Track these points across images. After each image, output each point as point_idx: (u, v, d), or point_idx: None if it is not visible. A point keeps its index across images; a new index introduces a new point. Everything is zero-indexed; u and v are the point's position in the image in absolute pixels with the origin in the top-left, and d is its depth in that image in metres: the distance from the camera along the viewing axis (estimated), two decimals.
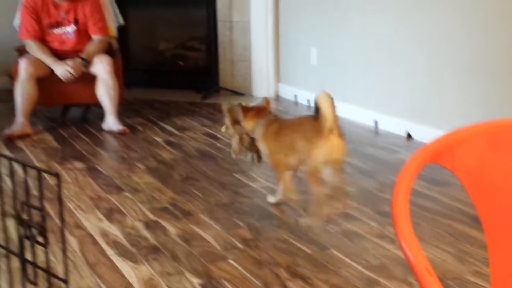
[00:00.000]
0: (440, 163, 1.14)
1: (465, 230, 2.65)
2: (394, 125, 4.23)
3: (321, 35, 4.89)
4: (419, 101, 4.05)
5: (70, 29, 4.33)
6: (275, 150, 2.82)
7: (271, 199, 2.99)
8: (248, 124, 2.91)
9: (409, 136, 4.12)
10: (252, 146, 2.98)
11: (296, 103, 5.20)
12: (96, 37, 4.36)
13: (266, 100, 3.04)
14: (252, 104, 3.14)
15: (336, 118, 2.58)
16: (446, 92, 3.84)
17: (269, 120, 2.88)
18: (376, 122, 4.39)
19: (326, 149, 2.61)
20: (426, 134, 3.96)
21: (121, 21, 4.97)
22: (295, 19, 5.16)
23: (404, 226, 0.93)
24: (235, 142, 3.05)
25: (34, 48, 4.23)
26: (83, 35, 4.36)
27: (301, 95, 5.17)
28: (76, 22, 4.32)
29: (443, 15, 3.80)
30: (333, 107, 2.56)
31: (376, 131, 4.34)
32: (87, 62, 4.24)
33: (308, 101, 5.07)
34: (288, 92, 5.34)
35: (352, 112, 4.58)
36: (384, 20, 4.24)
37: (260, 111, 2.95)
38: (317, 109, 2.60)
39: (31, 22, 4.24)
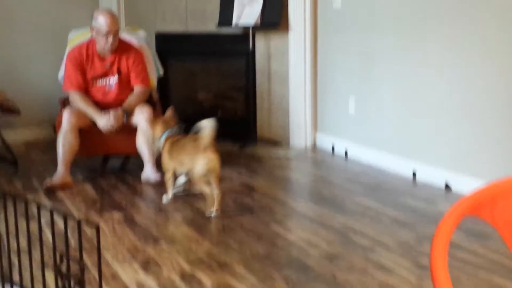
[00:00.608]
0: (480, 216, 1.11)
1: (507, 285, 2.57)
2: (432, 175, 4.18)
3: (359, 84, 4.89)
4: (459, 151, 4.00)
5: (113, 80, 4.42)
6: (167, 160, 3.81)
7: (164, 200, 3.85)
8: (156, 133, 3.93)
9: (447, 187, 4.06)
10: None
11: (333, 152, 5.19)
12: (137, 88, 4.43)
13: (171, 112, 4.00)
14: (161, 116, 4.07)
15: (212, 138, 3.46)
16: (486, 142, 3.79)
17: (168, 136, 3.86)
18: (414, 172, 4.34)
19: (203, 162, 3.51)
20: (465, 185, 3.90)
21: (161, 72, 5.07)
22: (333, 68, 5.19)
23: (443, 280, 0.91)
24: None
25: (77, 100, 4.32)
26: (124, 86, 4.44)
27: (338, 144, 5.16)
28: (119, 73, 4.42)
29: (483, 67, 3.78)
30: (211, 130, 3.45)
31: (414, 181, 4.28)
32: (128, 113, 4.31)
33: (346, 151, 5.05)
34: (325, 141, 5.33)
35: (390, 161, 4.55)
36: (423, 70, 4.23)
37: (166, 123, 3.93)
38: (198, 131, 3.51)
39: (75, 74, 4.34)
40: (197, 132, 3.52)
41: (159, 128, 3.91)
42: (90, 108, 4.29)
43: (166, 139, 3.85)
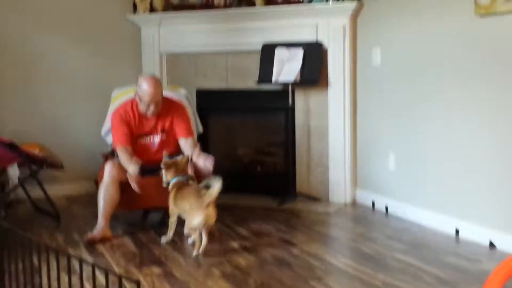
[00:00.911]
0: None
1: None
2: (476, 233, 4.09)
3: (399, 140, 4.87)
4: (503, 208, 3.92)
5: (157, 138, 4.49)
6: (172, 206, 4.05)
7: (163, 240, 4.08)
8: (168, 176, 4.12)
9: (492, 245, 3.97)
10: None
11: (373, 209, 5.13)
12: (186, 140, 4.47)
13: (186, 159, 4.17)
14: (176, 158, 4.17)
15: (216, 197, 3.73)
16: None
17: (177, 182, 4.07)
18: (457, 230, 4.26)
19: (202, 217, 3.78)
20: (511, 243, 3.81)
21: (201, 129, 5.14)
22: (372, 125, 5.18)
23: None
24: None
25: (122, 155, 4.36)
26: (165, 143, 4.50)
27: (379, 201, 5.11)
28: (163, 131, 4.48)
29: None
30: (218, 190, 3.71)
31: (457, 239, 4.20)
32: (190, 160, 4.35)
33: (386, 207, 5.00)
34: (365, 197, 5.29)
35: (432, 218, 4.48)
36: (465, 127, 4.20)
37: (178, 170, 4.10)
38: (207, 186, 3.78)
39: (124, 130, 4.40)
40: (205, 186, 3.83)
41: (172, 172, 4.10)
42: (126, 160, 4.31)
43: (174, 184, 4.08)
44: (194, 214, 3.83)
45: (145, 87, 4.31)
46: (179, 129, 4.48)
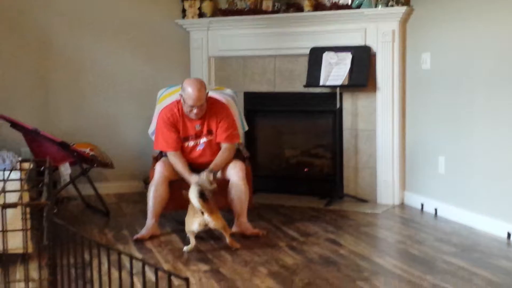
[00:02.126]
0: None
1: None
2: None
3: (449, 143, 4.81)
4: None
5: (203, 140, 4.50)
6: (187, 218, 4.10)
7: (185, 248, 4.04)
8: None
9: None
10: None
11: (422, 211, 5.07)
12: (224, 145, 4.49)
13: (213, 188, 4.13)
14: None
15: (203, 203, 3.86)
16: None
17: None
18: (509, 233, 4.17)
19: (197, 222, 3.95)
20: None
21: (246, 127, 5.15)
22: (421, 128, 5.13)
23: None
24: None
25: (174, 161, 4.40)
26: (214, 145, 4.50)
27: (428, 203, 5.04)
28: (209, 133, 4.49)
29: None
30: (197, 198, 3.84)
31: (508, 242, 4.12)
32: (216, 173, 4.37)
33: (436, 209, 4.93)
34: (414, 200, 5.23)
35: (482, 221, 4.41)
36: None
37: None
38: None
39: (170, 134, 4.43)
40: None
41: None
42: (185, 172, 4.35)
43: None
44: (191, 220, 3.99)
45: (189, 91, 4.32)
46: (219, 132, 4.47)
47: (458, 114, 4.69)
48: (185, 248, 4.03)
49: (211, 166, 4.35)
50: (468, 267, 3.61)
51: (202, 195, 3.89)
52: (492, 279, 3.39)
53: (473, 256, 3.83)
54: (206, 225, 3.96)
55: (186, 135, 4.47)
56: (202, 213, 3.91)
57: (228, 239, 4.05)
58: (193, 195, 3.88)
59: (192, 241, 4.03)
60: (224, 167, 4.44)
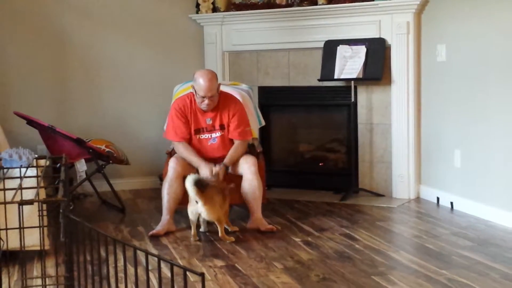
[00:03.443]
0: None
1: None
2: None
3: (465, 137, 4.78)
4: None
5: (216, 135, 4.50)
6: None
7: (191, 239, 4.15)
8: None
9: None
10: None
11: (438, 205, 5.05)
12: (236, 142, 4.49)
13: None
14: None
15: (198, 192, 3.91)
16: None
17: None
18: None
19: (190, 211, 4.06)
20: None
21: (263, 122, 5.15)
22: (437, 121, 5.10)
23: None
24: None
25: (182, 149, 4.44)
26: (227, 140, 4.50)
27: (443, 197, 5.02)
28: (222, 128, 4.50)
29: None
30: (192, 186, 3.90)
31: None
32: (228, 168, 4.38)
33: (452, 203, 4.91)
34: (430, 194, 5.20)
35: (499, 216, 4.38)
36: None
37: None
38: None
39: (179, 124, 4.46)
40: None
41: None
42: (194, 157, 4.39)
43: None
44: (188, 208, 4.10)
45: (200, 81, 4.33)
46: (232, 128, 4.47)
47: (474, 107, 4.66)
48: (192, 239, 4.16)
49: (226, 161, 4.36)
50: (485, 261, 3.59)
51: (198, 183, 3.94)
52: (509, 273, 3.37)
53: (490, 250, 3.81)
54: (199, 214, 4.05)
55: (197, 127, 4.47)
56: (197, 202, 3.97)
57: (220, 233, 4.10)
58: (188, 183, 3.93)
59: (192, 231, 4.15)
60: (235, 163, 4.44)
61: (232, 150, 4.45)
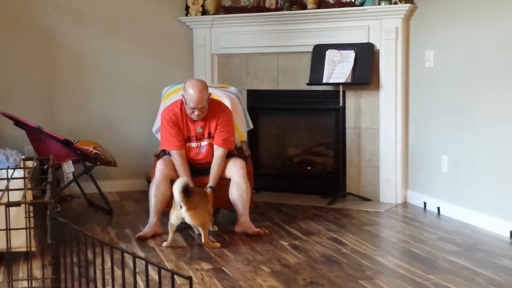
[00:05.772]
0: None
1: None
2: None
3: (452, 142, 4.80)
4: None
5: (204, 143, 4.49)
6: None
7: (164, 244, 4.09)
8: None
9: None
10: None
11: (425, 210, 5.07)
12: (218, 150, 4.45)
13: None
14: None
15: (184, 198, 3.90)
16: None
17: None
18: (511, 232, 4.17)
19: (174, 215, 4.03)
20: None
21: (251, 125, 5.15)
22: (425, 126, 5.12)
23: None
24: None
25: (176, 161, 4.40)
26: (212, 148, 4.49)
27: (430, 202, 5.04)
28: (210, 136, 4.48)
29: None
30: (179, 192, 3.88)
31: (511, 241, 4.11)
32: (216, 189, 4.37)
33: (438, 208, 4.93)
34: (417, 199, 5.23)
35: (485, 220, 4.41)
36: None
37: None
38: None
39: (172, 134, 4.42)
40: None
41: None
42: (183, 174, 4.34)
43: None
44: (171, 212, 4.07)
45: (190, 93, 4.30)
46: (217, 136, 4.45)
47: (462, 113, 4.69)
48: (164, 244, 4.10)
49: (212, 183, 4.36)
50: (471, 266, 3.61)
51: (185, 190, 3.92)
52: (495, 278, 3.39)
53: (476, 255, 3.83)
54: (183, 219, 4.02)
55: (187, 136, 4.47)
56: (181, 207, 3.95)
57: (203, 239, 4.04)
58: (176, 188, 3.92)
59: (169, 236, 4.09)
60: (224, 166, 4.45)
61: (214, 167, 4.41)
